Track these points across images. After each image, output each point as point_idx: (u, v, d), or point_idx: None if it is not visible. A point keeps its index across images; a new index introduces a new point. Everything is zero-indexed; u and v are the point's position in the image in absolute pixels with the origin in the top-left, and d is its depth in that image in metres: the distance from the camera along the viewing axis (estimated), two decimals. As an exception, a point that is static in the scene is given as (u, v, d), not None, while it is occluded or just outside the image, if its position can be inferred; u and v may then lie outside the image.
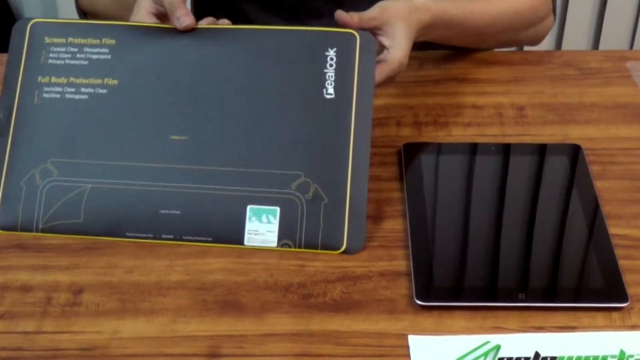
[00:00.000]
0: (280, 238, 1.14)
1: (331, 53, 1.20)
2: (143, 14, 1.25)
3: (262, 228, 1.14)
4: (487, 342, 1.02)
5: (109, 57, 1.23)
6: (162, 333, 1.05)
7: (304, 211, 1.15)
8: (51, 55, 1.24)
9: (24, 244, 1.16)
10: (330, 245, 1.12)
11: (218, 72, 1.21)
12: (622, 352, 1.01)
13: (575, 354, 1.01)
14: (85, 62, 1.24)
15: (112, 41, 1.24)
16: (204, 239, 1.15)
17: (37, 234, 1.17)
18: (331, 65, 1.20)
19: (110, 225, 1.16)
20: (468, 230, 1.18)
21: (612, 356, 1.01)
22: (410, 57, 1.30)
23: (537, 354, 1.01)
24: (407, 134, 1.31)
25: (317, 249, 1.13)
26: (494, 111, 1.37)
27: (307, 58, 1.21)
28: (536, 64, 1.48)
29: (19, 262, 1.14)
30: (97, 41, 1.24)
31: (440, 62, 1.46)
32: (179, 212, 1.16)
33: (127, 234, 1.16)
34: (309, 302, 1.09)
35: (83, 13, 1.54)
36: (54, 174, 1.19)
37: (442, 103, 1.38)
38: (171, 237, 1.15)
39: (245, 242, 1.14)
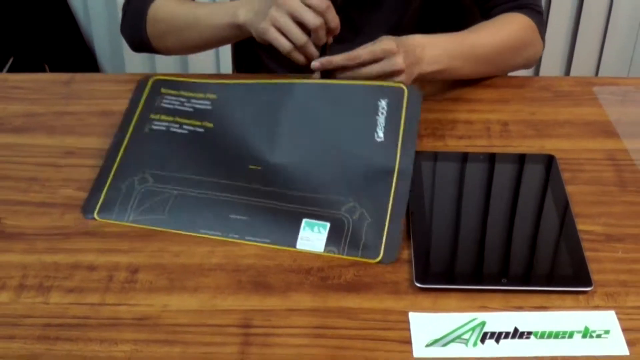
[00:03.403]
0: (327, 245, 1.13)
1: (382, 103, 1.23)
2: None
3: (312, 236, 1.13)
4: (475, 319, 1.02)
5: (209, 107, 1.28)
6: (203, 307, 1.04)
7: (350, 227, 1.14)
8: (164, 101, 1.31)
9: (91, 231, 1.16)
10: (369, 255, 1.11)
11: (291, 119, 1.24)
12: (586, 328, 1.01)
13: (547, 329, 1.01)
14: (190, 109, 1.29)
15: (214, 96, 1.29)
16: (263, 240, 1.14)
17: (127, 223, 1.16)
18: (382, 113, 1.23)
19: (187, 223, 1.16)
20: (460, 225, 1.18)
21: (578, 331, 1.00)
22: (413, 81, 1.30)
23: (516, 329, 1.01)
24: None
25: (357, 257, 1.12)
26: (482, 126, 1.36)
27: (363, 107, 1.24)
28: (518, 87, 1.47)
29: (87, 246, 1.13)
30: (201, 95, 1.30)
31: (438, 85, 1.45)
32: (245, 217, 1.16)
33: (200, 230, 1.15)
34: (326, 284, 1.08)
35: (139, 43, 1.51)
36: (149, 182, 1.21)
37: (440, 119, 1.37)
38: (237, 236, 1.15)
39: (297, 246, 1.13)
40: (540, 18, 1.49)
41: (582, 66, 2.76)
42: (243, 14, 1.34)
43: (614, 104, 1.42)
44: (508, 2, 1.48)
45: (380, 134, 1.22)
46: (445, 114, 1.38)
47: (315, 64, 1.28)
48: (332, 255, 1.12)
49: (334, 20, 1.27)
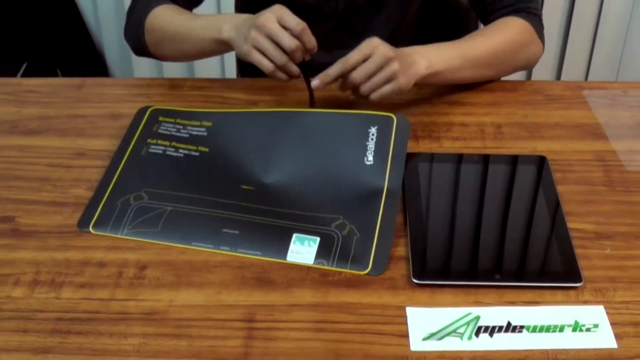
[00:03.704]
0: (316, 257, 1.12)
1: (373, 130, 1.25)
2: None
3: (303, 250, 1.13)
4: (469, 314, 1.02)
5: (205, 134, 1.30)
6: (208, 302, 1.04)
7: (339, 242, 1.14)
8: (161, 128, 1.32)
9: (95, 234, 1.15)
10: (358, 268, 1.10)
11: (286, 143, 1.26)
12: (576, 323, 1.01)
13: (539, 323, 1.01)
14: (187, 135, 1.31)
15: (209, 124, 1.31)
16: (255, 252, 1.13)
17: (120, 236, 1.15)
18: (372, 139, 1.25)
19: (180, 236, 1.15)
20: (455, 223, 1.17)
21: (569, 325, 1.00)
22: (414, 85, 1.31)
23: (509, 323, 1.01)
24: (408, 146, 1.30)
25: (346, 269, 1.11)
26: (477, 128, 1.36)
27: (355, 133, 1.26)
28: (511, 91, 1.47)
29: (96, 243, 1.13)
30: (197, 123, 1.32)
31: (435, 89, 1.45)
32: (237, 231, 1.15)
33: (193, 243, 1.14)
34: (326, 280, 1.08)
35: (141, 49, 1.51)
36: (144, 198, 1.20)
37: (436, 121, 1.37)
38: (227, 248, 1.13)
39: (288, 259, 1.12)
40: (537, 20, 1.49)
41: (573, 71, 2.76)
42: (227, 31, 1.34)
43: (603, 107, 1.42)
44: (506, 7, 1.48)
45: (370, 158, 1.23)
46: (441, 116, 1.38)
47: (315, 82, 1.29)
48: (321, 267, 1.11)
49: (310, 41, 1.27)
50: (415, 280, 1.06)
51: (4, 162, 1.28)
